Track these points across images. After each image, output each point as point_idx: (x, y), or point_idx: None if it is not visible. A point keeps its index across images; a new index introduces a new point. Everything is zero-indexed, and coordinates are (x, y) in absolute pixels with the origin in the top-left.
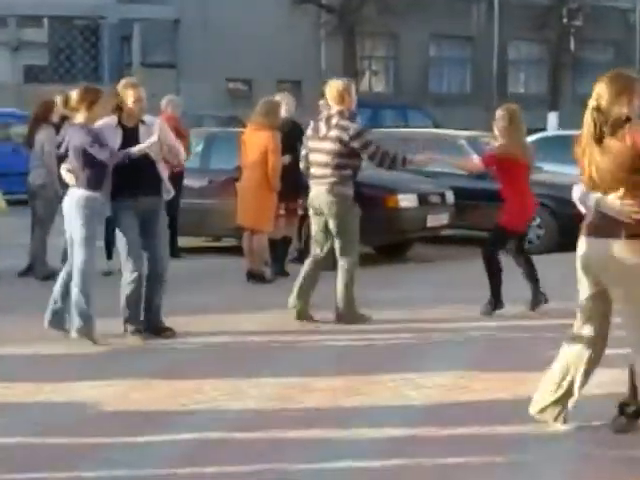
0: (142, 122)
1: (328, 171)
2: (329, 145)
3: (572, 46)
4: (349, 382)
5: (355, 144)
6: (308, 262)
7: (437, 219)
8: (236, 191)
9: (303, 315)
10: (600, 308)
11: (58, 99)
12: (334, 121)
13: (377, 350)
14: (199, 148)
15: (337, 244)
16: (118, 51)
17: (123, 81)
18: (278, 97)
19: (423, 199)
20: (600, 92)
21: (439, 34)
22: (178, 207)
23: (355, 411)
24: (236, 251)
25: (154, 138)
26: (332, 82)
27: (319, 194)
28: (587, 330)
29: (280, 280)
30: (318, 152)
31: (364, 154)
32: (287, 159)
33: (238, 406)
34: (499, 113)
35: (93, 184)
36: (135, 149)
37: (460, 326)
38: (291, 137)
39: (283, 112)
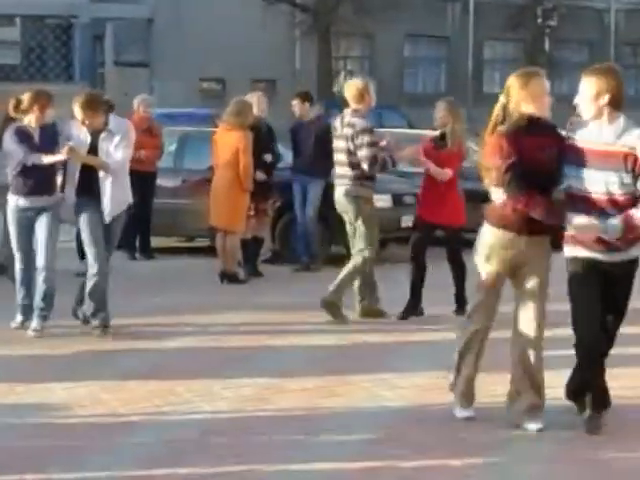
0: (107, 129)
1: (345, 170)
2: (343, 143)
3: (547, 46)
4: (324, 383)
5: (356, 141)
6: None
7: (412, 219)
8: (209, 191)
9: (372, 312)
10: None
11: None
12: (347, 119)
13: (352, 350)
14: (172, 148)
15: (354, 242)
16: (91, 50)
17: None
18: (250, 97)
19: (397, 199)
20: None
21: (414, 34)
22: (151, 207)
23: (329, 412)
24: (209, 251)
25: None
26: (351, 81)
27: (339, 194)
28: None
29: (253, 280)
30: (337, 151)
31: (358, 153)
32: (269, 157)
33: (212, 407)
34: (438, 104)
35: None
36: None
37: (437, 326)
38: (263, 137)
39: (255, 112)
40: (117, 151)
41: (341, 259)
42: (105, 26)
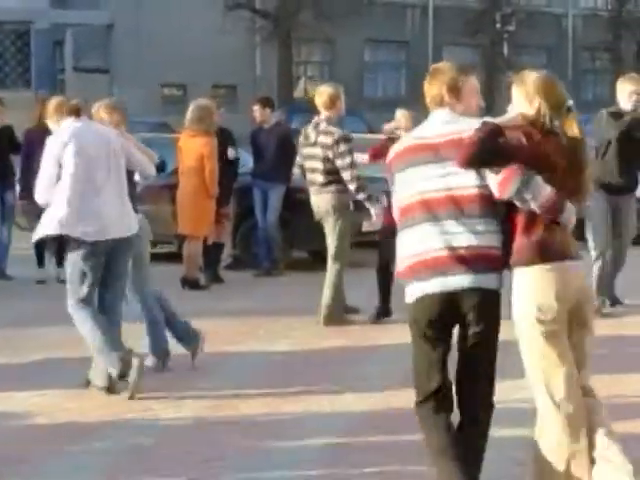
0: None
1: (320, 177)
2: (318, 151)
3: (505, 51)
4: (287, 389)
5: (335, 149)
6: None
7: (373, 224)
8: (171, 197)
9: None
10: None
11: None
12: (322, 127)
13: (316, 355)
14: None
15: (330, 248)
16: (50, 56)
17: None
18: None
19: (358, 204)
20: None
21: (374, 39)
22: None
23: (292, 418)
24: (171, 258)
25: None
26: (323, 87)
27: (315, 201)
28: None
29: (214, 286)
30: (310, 159)
31: (337, 162)
32: (232, 154)
33: (173, 415)
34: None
35: None
36: None
37: (399, 331)
38: (221, 143)
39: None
40: None
41: (302, 264)
42: (65, 32)
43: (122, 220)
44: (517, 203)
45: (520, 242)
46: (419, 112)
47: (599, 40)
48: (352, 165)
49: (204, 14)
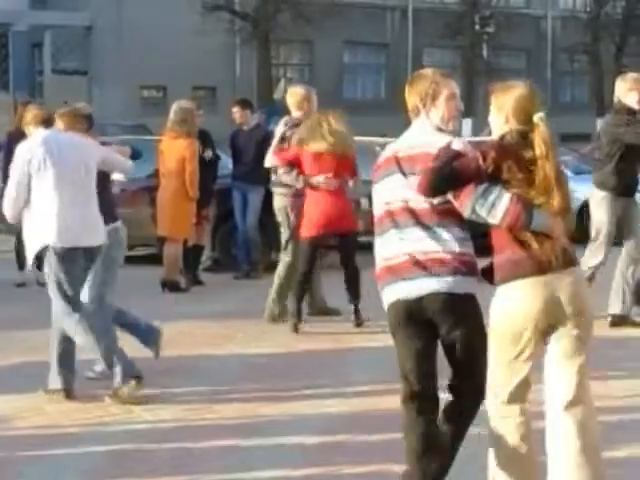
0: None
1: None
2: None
3: (485, 53)
4: (264, 390)
5: None
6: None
7: None
8: (149, 199)
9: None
10: None
11: None
12: (284, 128)
13: (295, 357)
14: None
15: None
16: (29, 58)
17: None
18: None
19: None
20: None
21: (353, 41)
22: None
23: (270, 420)
24: (150, 260)
25: None
26: (294, 88)
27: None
28: None
29: (194, 289)
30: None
31: None
32: (208, 154)
33: (153, 417)
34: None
35: None
36: None
37: (379, 334)
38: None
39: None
40: None
41: None
42: (43, 34)
43: (92, 229)
44: (475, 219)
45: (495, 260)
46: (398, 116)
47: (577, 42)
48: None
49: (183, 16)
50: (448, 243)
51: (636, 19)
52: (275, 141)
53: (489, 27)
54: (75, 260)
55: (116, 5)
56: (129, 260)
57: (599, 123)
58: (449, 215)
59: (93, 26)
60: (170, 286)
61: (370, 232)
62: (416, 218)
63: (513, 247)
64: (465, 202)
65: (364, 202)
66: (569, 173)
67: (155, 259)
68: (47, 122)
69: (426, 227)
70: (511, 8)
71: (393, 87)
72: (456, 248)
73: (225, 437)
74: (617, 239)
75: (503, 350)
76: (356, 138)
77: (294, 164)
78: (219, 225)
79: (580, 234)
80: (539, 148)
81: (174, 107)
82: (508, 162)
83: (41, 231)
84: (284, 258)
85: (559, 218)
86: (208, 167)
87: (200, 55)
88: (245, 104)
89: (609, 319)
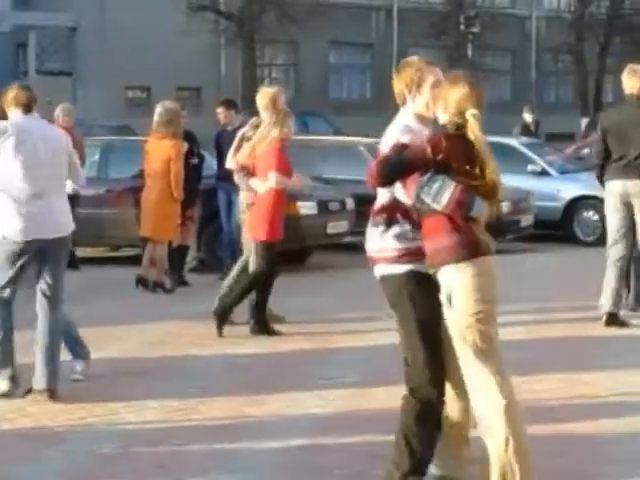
0: None
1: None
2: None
3: (470, 53)
4: (250, 391)
5: None
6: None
7: (337, 226)
8: (134, 200)
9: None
10: None
11: None
12: (260, 127)
13: (279, 358)
14: (96, 157)
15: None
16: (13, 59)
17: None
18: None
19: (323, 206)
20: None
21: (339, 41)
22: (75, 217)
23: (255, 421)
24: (135, 261)
25: None
26: (262, 90)
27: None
28: None
29: (180, 289)
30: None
31: None
32: (195, 161)
33: (137, 418)
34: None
35: None
36: None
37: (363, 334)
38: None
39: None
40: None
41: None
42: (28, 34)
43: (60, 219)
44: (419, 206)
45: (448, 241)
46: (384, 115)
47: (562, 42)
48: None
49: (168, 16)
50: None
51: (620, 19)
52: (235, 142)
53: (474, 27)
54: (29, 252)
55: (100, 5)
56: (115, 261)
57: (583, 122)
58: (375, 212)
59: (77, 27)
60: (156, 287)
61: (354, 232)
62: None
63: (451, 233)
64: (410, 189)
65: (349, 202)
66: (554, 173)
67: (140, 260)
68: (27, 107)
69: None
70: (496, 8)
71: (378, 87)
72: (375, 244)
73: (209, 438)
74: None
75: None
76: (342, 138)
77: (247, 167)
78: (204, 226)
79: (564, 231)
80: (475, 136)
81: (159, 108)
82: (457, 151)
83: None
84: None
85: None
86: (193, 168)
87: (185, 55)
88: (229, 104)
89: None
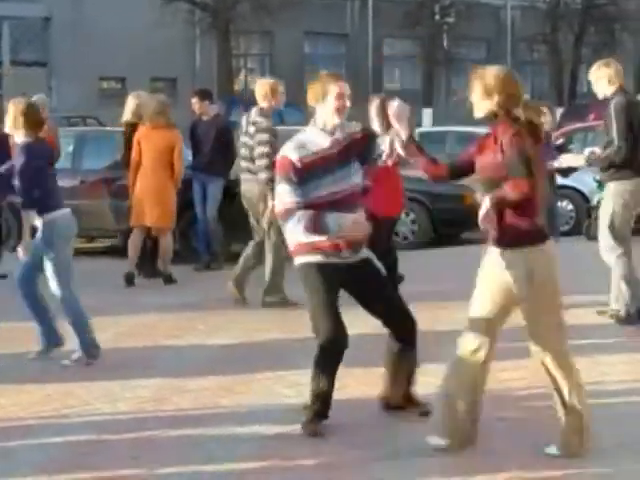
0: None
1: (250, 165)
2: (247, 139)
3: (445, 43)
4: (223, 382)
5: (256, 138)
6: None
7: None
8: (108, 191)
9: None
10: None
11: None
12: (252, 117)
13: (252, 348)
14: (70, 148)
15: (266, 231)
16: None
17: None
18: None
19: None
20: None
21: (313, 31)
22: None
23: (228, 411)
24: (110, 252)
25: None
26: (262, 80)
27: (245, 188)
28: None
29: (154, 281)
30: (242, 146)
31: (255, 150)
32: None
33: (111, 409)
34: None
35: None
36: None
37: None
38: None
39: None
40: None
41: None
42: (1, 25)
43: None
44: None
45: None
46: (358, 105)
47: (537, 32)
48: (266, 155)
49: (142, 7)
50: None
51: (595, 9)
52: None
53: (449, 17)
54: None
55: None
56: (88, 252)
57: (558, 112)
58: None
59: (51, 17)
60: (164, 278)
61: None
62: None
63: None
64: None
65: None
66: None
67: (116, 251)
68: None
69: None
70: None
71: (354, 78)
72: None
73: (184, 428)
74: None
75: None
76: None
77: None
78: (179, 217)
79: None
80: (538, 121)
81: (135, 99)
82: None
83: None
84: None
85: None
86: None
87: (160, 46)
88: (203, 95)
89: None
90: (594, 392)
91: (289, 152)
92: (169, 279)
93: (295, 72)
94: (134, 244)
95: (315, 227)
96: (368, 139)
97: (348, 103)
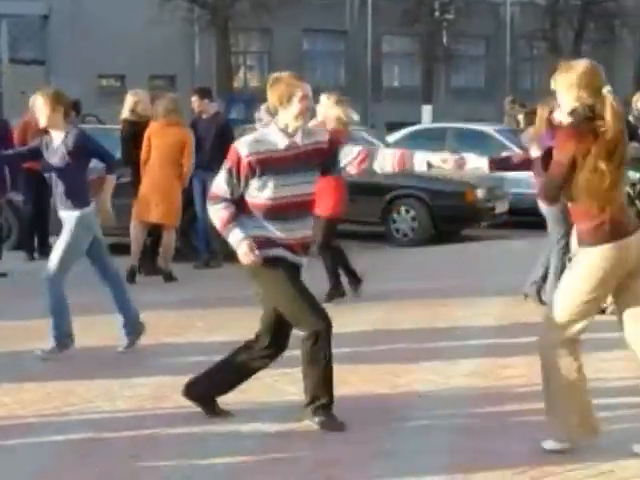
0: None
1: None
2: None
3: (444, 40)
4: None
5: None
6: None
7: None
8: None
9: None
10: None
11: None
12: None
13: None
14: None
15: None
16: None
17: None
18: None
19: None
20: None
21: (312, 29)
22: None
23: (230, 408)
24: (111, 249)
25: None
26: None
27: None
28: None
29: (154, 278)
30: None
31: None
32: None
33: (111, 407)
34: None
35: None
36: None
37: (337, 321)
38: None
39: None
40: None
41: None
42: (0, 23)
43: None
44: None
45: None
46: (357, 103)
47: (536, 28)
48: None
49: (141, 4)
50: None
51: (594, 5)
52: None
53: (448, 14)
54: None
55: None
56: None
57: None
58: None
59: (49, 15)
60: (165, 276)
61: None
62: None
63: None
64: None
65: None
66: None
67: (117, 248)
68: None
69: None
70: None
71: (353, 75)
72: None
73: (183, 425)
74: None
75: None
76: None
77: None
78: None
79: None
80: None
81: (168, 96)
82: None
83: None
84: None
85: None
86: None
87: (159, 44)
88: (203, 93)
89: None
90: (591, 389)
91: (241, 146)
92: (169, 277)
93: (294, 69)
94: (137, 239)
95: (224, 229)
96: (334, 149)
97: (312, 105)
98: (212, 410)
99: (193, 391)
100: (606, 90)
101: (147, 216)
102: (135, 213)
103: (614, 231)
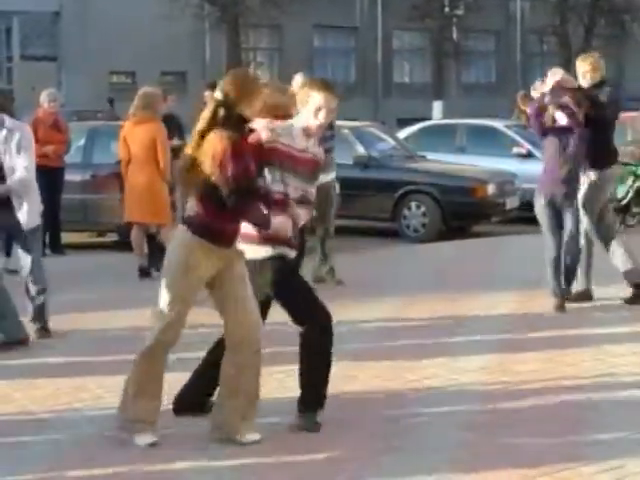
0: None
1: None
2: None
3: (454, 35)
4: None
5: None
6: None
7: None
8: (120, 185)
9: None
10: None
11: None
12: None
13: (263, 341)
14: (81, 142)
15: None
16: None
17: None
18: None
19: None
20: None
21: (323, 25)
22: (60, 203)
23: None
24: (120, 247)
25: None
26: (297, 76)
27: None
28: None
29: (158, 274)
30: None
31: None
32: (176, 142)
33: None
34: None
35: None
36: None
37: (348, 317)
38: (169, 129)
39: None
40: (22, 161)
41: None
42: (11, 19)
43: None
44: None
45: None
46: (368, 99)
47: (546, 23)
48: None
49: (152, 1)
50: None
51: (604, 0)
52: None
53: (458, 9)
54: None
55: None
56: (101, 247)
57: None
58: None
59: (60, 12)
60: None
61: (339, 216)
62: None
63: None
64: None
65: (335, 186)
66: (539, 154)
67: (124, 246)
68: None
69: None
70: None
71: (363, 70)
72: None
73: (192, 422)
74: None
75: None
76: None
77: None
78: None
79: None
80: None
81: (139, 92)
82: None
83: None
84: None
85: None
86: (175, 153)
87: (169, 40)
88: (216, 87)
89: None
90: (604, 383)
91: (263, 130)
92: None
93: (304, 66)
94: (136, 240)
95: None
96: (316, 168)
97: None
98: (210, 409)
99: (183, 406)
100: None
101: (137, 217)
102: (125, 215)
103: None
